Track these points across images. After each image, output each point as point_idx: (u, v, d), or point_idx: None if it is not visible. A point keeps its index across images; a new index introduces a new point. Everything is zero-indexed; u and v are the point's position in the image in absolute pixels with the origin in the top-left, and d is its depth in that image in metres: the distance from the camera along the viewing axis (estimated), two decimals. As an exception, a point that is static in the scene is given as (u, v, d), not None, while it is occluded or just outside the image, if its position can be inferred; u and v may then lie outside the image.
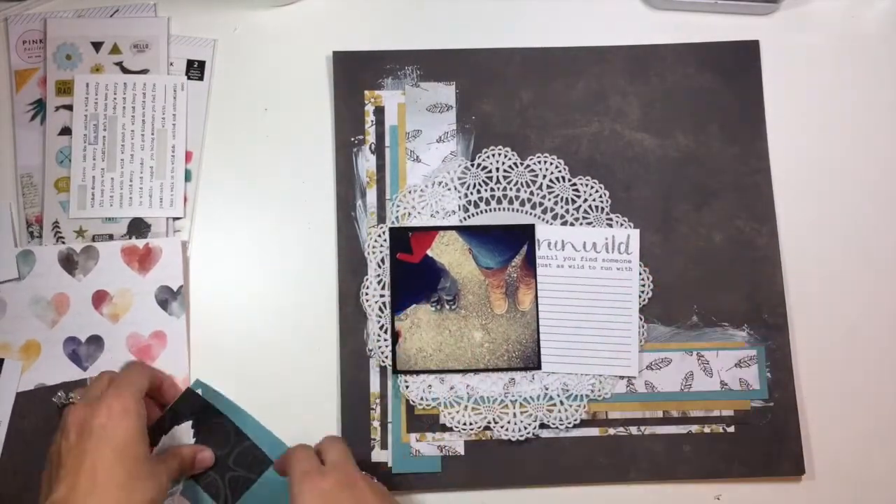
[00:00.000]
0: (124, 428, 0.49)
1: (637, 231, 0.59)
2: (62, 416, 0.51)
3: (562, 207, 0.61)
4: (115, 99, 0.62)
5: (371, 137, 0.62)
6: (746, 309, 0.60)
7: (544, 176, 0.61)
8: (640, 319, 0.59)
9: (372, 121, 0.62)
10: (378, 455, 0.58)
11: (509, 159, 0.61)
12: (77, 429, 0.49)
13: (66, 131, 0.62)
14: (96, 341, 0.59)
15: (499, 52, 0.63)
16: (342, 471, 0.50)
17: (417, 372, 0.59)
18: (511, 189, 0.61)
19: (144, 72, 0.63)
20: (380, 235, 0.60)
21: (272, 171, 0.62)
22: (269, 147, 0.63)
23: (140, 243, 0.60)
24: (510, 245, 0.60)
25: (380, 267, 0.60)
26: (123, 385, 0.52)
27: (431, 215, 0.61)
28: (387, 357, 0.59)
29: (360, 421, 0.59)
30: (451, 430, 0.58)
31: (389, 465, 0.58)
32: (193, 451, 0.55)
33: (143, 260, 0.60)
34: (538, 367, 0.59)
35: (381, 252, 0.60)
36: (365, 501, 0.48)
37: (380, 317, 0.60)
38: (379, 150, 0.62)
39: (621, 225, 0.60)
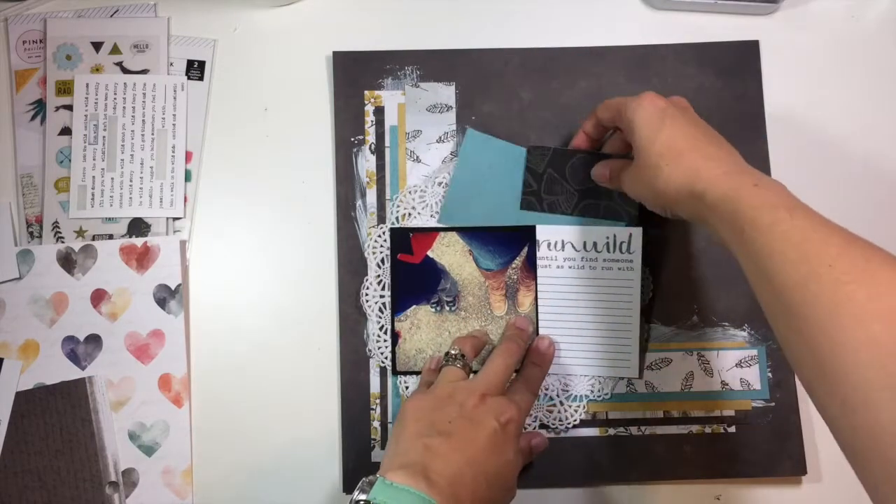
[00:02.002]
0: (515, 441, 0.49)
1: (639, 229, 0.59)
2: (444, 371, 0.52)
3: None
4: (115, 99, 0.62)
5: (371, 137, 0.62)
6: (747, 309, 0.60)
7: (544, 176, 0.61)
8: (641, 320, 0.59)
9: (372, 121, 0.62)
10: (378, 455, 0.58)
11: (509, 159, 0.61)
12: (477, 402, 0.49)
13: (66, 131, 0.62)
14: (95, 340, 0.59)
15: (499, 52, 0.63)
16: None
17: (417, 373, 0.59)
18: (511, 189, 0.61)
19: (144, 72, 0.63)
20: (380, 236, 0.60)
21: (272, 171, 0.62)
22: (269, 147, 0.63)
23: (138, 242, 0.60)
24: (511, 246, 0.60)
25: (380, 267, 0.60)
26: (533, 393, 0.54)
27: (431, 216, 0.61)
28: (386, 358, 0.59)
29: (360, 421, 0.59)
30: (450, 430, 0.58)
31: (389, 465, 0.58)
32: (529, 439, 0.56)
33: (142, 259, 0.60)
34: (538, 367, 0.59)
35: (381, 252, 0.60)
36: (698, 123, 0.50)
37: (380, 317, 0.59)
38: (379, 151, 0.62)
39: (622, 224, 0.60)
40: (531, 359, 0.57)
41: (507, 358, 0.54)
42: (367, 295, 0.60)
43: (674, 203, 0.48)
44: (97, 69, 0.63)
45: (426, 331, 0.59)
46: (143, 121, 0.62)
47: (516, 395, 0.52)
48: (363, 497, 0.42)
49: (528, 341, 0.57)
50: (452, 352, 0.54)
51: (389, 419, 0.59)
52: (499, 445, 0.48)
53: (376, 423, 0.59)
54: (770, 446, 0.58)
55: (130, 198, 0.61)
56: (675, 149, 0.48)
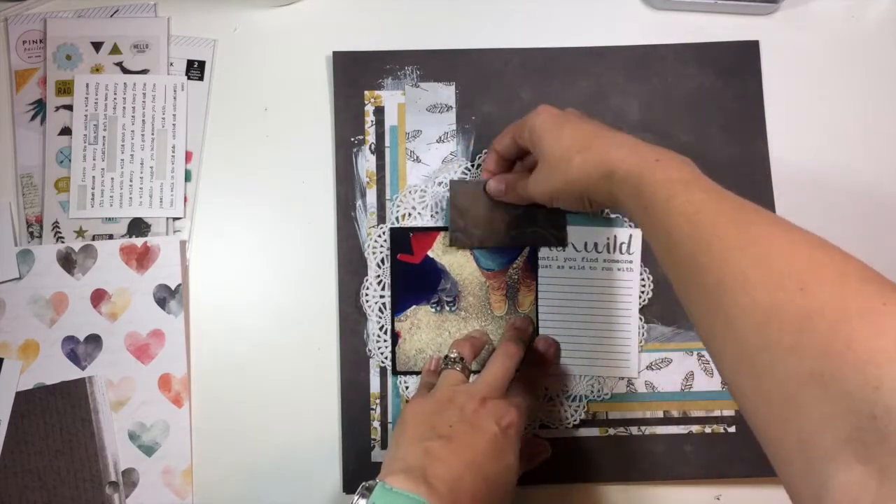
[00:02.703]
0: (516, 445, 0.49)
1: (639, 230, 0.59)
2: (443, 374, 0.53)
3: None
4: (115, 99, 0.62)
5: (371, 137, 0.62)
6: (747, 309, 0.60)
7: (544, 176, 0.61)
8: (641, 320, 0.59)
9: (372, 121, 0.62)
10: (378, 455, 0.58)
11: (509, 159, 0.61)
12: (477, 406, 0.49)
13: (66, 131, 0.62)
14: (95, 340, 0.59)
15: (499, 52, 0.63)
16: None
17: (417, 373, 0.59)
18: (511, 190, 0.61)
19: (144, 72, 0.63)
20: (380, 236, 0.60)
21: (272, 171, 0.62)
22: (269, 147, 0.63)
23: (138, 242, 0.60)
24: (511, 247, 0.60)
25: (380, 267, 0.60)
26: (534, 394, 0.54)
27: (431, 216, 0.61)
28: (386, 358, 0.59)
29: (360, 421, 0.59)
30: (450, 430, 0.58)
31: (389, 465, 0.58)
32: (531, 446, 0.56)
33: (142, 258, 0.60)
34: (538, 367, 0.58)
35: (381, 252, 0.60)
36: (595, 121, 0.52)
37: (380, 317, 0.59)
38: (379, 151, 0.62)
39: (622, 224, 0.60)
40: (531, 359, 0.56)
41: (507, 360, 0.53)
42: (367, 295, 0.60)
43: (587, 188, 0.49)
44: (97, 69, 0.63)
45: (426, 331, 0.59)
46: (143, 121, 0.62)
47: (516, 398, 0.52)
48: (363, 502, 0.42)
49: (527, 342, 0.57)
50: (451, 355, 0.54)
51: (389, 419, 0.59)
52: (499, 450, 0.48)
53: (376, 424, 0.59)
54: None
55: (130, 198, 0.61)
56: (582, 140, 0.49)
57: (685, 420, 0.59)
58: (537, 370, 0.56)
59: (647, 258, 0.60)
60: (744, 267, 0.37)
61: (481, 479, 0.46)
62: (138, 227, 0.61)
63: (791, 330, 0.34)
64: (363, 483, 0.44)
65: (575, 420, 0.59)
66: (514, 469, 0.49)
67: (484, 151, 0.61)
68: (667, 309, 0.60)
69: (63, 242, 0.60)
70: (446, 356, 0.54)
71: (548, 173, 0.51)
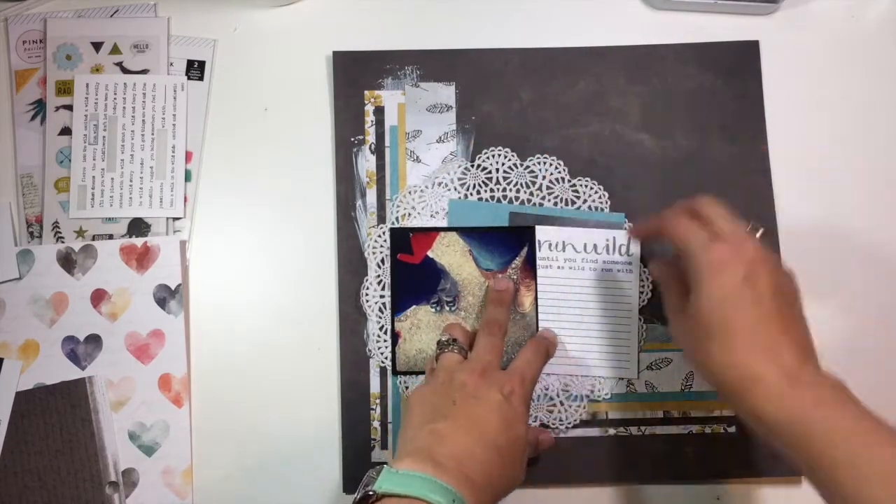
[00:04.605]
0: (524, 413, 0.49)
1: (637, 231, 0.59)
2: (440, 359, 0.52)
3: (561, 209, 0.61)
4: (115, 99, 0.62)
5: (371, 137, 0.62)
6: (747, 309, 0.60)
7: (544, 177, 0.61)
8: (640, 320, 0.59)
9: (372, 121, 0.62)
10: (378, 455, 0.58)
11: (509, 160, 0.61)
12: (477, 379, 0.49)
13: (66, 131, 0.62)
14: (95, 340, 0.59)
15: (499, 52, 0.63)
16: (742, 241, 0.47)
17: (417, 373, 0.59)
18: (511, 190, 0.61)
19: (144, 72, 0.63)
20: (380, 236, 0.60)
21: (272, 171, 0.62)
22: (269, 147, 0.63)
23: (138, 242, 0.60)
24: (510, 247, 0.60)
25: (380, 267, 0.60)
26: (536, 371, 0.53)
27: (431, 216, 0.61)
28: (386, 358, 0.59)
29: (360, 421, 0.59)
30: (450, 430, 0.58)
31: (389, 465, 0.58)
32: (536, 434, 0.56)
33: (142, 258, 0.60)
34: (538, 367, 0.58)
35: (381, 252, 0.60)
36: (771, 308, 0.44)
37: (380, 317, 0.59)
38: (379, 150, 0.62)
39: (622, 226, 0.60)
40: (530, 334, 0.57)
41: (494, 328, 0.54)
42: (367, 295, 0.60)
43: (717, 389, 0.46)
44: (97, 69, 0.63)
45: (426, 331, 0.59)
46: (143, 121, 0.62)
47: (516, 367, 0.52)
48: (369, 488, 0.42)
49: (511, 301, 0.57)
50: (443, 339, 0.54)
51: (389, 419, 0.59)
52: (507, 418, 0.47)
53: (376, 423, 0.59)
54: (770, 447, 0.58)
55: (130, 198, 0.61)
56: (730, 331, 0.44)
57: (685, 420, 0.59)
58: (539, 342, 0.56)
59: (647, 259, 0.60)
60: None
61: (492, 450, 0.45)
62: (138, 227, 0.61)
63: None
64: (370, 470, 0.43)
65: (575, 420, 0.59)
66: (524, 439, 0.48)
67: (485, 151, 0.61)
68: (667, 309, 0.60)
69: (63, 242, 0.60)
70: (439, 341, 0.54)
71: (686, 332, 0.47)
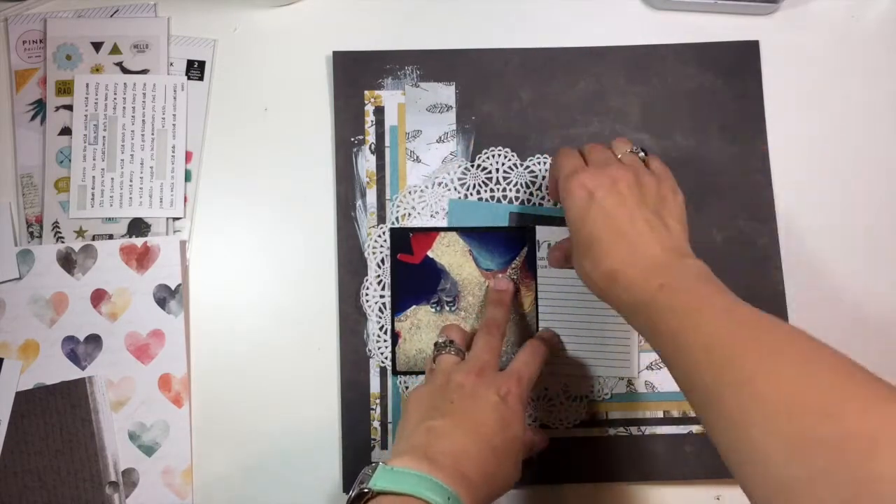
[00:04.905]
0: (520, 413, 0.49)
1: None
2: (438, 360, 0.53)
3: (561, 208, 0.61)
4: (115, 99, 0.62)
5: (371, 137, 0.62)
6: (747, 309, 0.60)
7: (544, 177, 0.61)
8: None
9: (372, 121, 0.62)
10: (378, 455, 0.58)
11: (509, 160, 0.61)
12: (475, 379, 0.49)
13: (66, 131, 0.62)
14: (95, 340, 0.59)
15: (499, 52, 0.63)
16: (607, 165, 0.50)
17: (417, 373, 0.59)
18: (511, 190, 0.61)
19: (144, 72, 0.63)
20: (380, 236, 0.60)
21: (272, 171, 0.62)
22: (269, 147, 0.63)
23: (138, 242, 0.60)
24: (510, 246, 0.60)
25: (380, 267, 0.60)
26: (534, 371, 0.53)
27: (431, 216, 0.61)
28: (386, 358, 0.59)
29: (360, 421, 0.59)
30: (450, 430, 0.58)
31: (389, 465, 0.58)
32: (530, 434, 0.56)
33: (142, 258, 0.60)
34: (538, 367, 0.58)
35: (381, 252, 0.60)
36: (626, 202, 0.48)
37: (380, 317, 0.59)
38: (379, 150, 0.62)
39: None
40: (530, 334, 0.57)
41: (493, 329, 0.54)
42: (367, 295, 0.60)
43: (602, 297, 0.48)
44: (97, 69, 0.63)
45: (426, 331, 0.59)
46: (143, 121, 0.62)
47: (515, 368, 0.52)
48: (364, 486, 0.42)
49: (511, 302, 0.57)
50: (440, 340, 0.54)
51: (389, 419, 0.59)
52: (503, 419, 0.47)
53: (376, 423, 0.59)
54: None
55: (130, 198, 0.61)
56: (594, 241, 0.47)
57: (685, 420, 0.59)
58: (537, 343, 0.56)
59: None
60: (767, 397, 0.36)
61: (488, 449, 0.45)
62: (138, 227, 0.61)
63: (822, 459, 0.33)
64: (365, 468, 0.43)
65: (575, 420, 0.59)
66: (520, 439, 0.48)
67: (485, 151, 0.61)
68: (667, 309, 0.60)
69: (63, 242, 0.60)
70: (436, 343, 0.54)
71: (575, 263, 0.50)
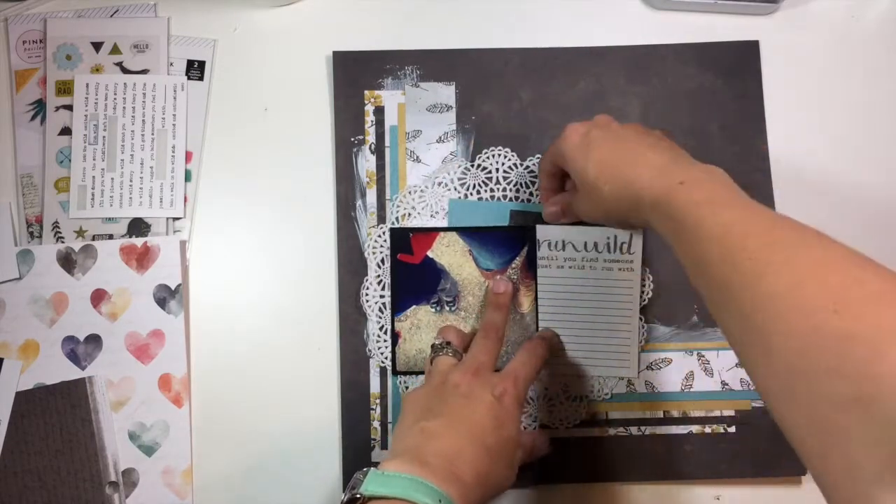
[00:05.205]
0: (516, 415, 0.49)
1: (640, 230, 0.59)
2: (434, 362, 0.53)
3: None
4: (115, 99, 0.62)
5: (371, 137, 0.62)
6: (747, 309, 0.60)
7: (544, 176, 0.61)
8: (641, 320, 0.59)
9: (372, 121, 0.62)
10: (378, 455, 0.58)
11: (509, 160, 0.61)
12: (470, 379, 0.49)
13: (66, 131, 0.62)
14: (95, 340, 0.59)
15: (499, 52, 0.63)
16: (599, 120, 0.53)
17: (417, 373, 0.59)
18: (511, 190, 0.61)
19: (144, 72, 0.63)
20: (380, 236, 0.60)
21: (272, 171, 0.62)
22: (269, 147, 0.63)
23: (138, 242, 0.60)
24: (510, 246, 0.60)
25: (380, 267, 0.60)
26: (531, 372, 0.53)
27: (431, 216, 0.61)
28: (386, 358, 0.59)
29: (360, 421, 0.59)
30: (450, 430, 0.58)
31: (389, 465, 0.58)
32: (532, 438, 0.56)
33: (142, 258, 0.60)
34: (538, 367, 0.58)
35: (381, 252, 0.60)
36: (621, 134, 0.51)
37: (380, 317, 0.59)
38: (379, 150, 0.62)
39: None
40: (528, 335, 0.57)
41: (491, 332, 0.54)
42: (367, 295, 0.60)
43: (624, 216, 0.49)
44: (97, 69, 0.63)
45: (426, 331, 0.59)
46: (143, 121, 0.62)
47: (511, 368, 0.52)
48: (355, 491, 0.42)
49: (509, 304, 0.57)
50: (437, 342, 0.54)
51: (389, 419, 0.59)
52: (498, 419, 0.47)
53: (376, 423, 0.59)
54: (770, 446, 0.58)
55: (130, 198, 0.61)
56: (606, 166, 0.49)
57: (685, 420, 0.59)
58: (535, 343, 0.56)
59: (648, 257, 0.60)
60: (779, 290, 0.36)
61: (482, 450, 0.45)
62: (138, 227, 0.61)
63: (830, 354, 0.33)
64: (356, 473, 0.43)
65: (575, 420, 0.59)
66: (515, 441, 0.48)
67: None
68: (667, 309, 0.60)
69: (63, 242, 0.60)
70: (433, 345, 0.54)
71: (586, 201, 0.51)
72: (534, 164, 0.61)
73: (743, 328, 0.38)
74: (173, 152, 0.62)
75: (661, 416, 0.59)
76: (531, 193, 0.61)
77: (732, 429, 0.59)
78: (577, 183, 0.52)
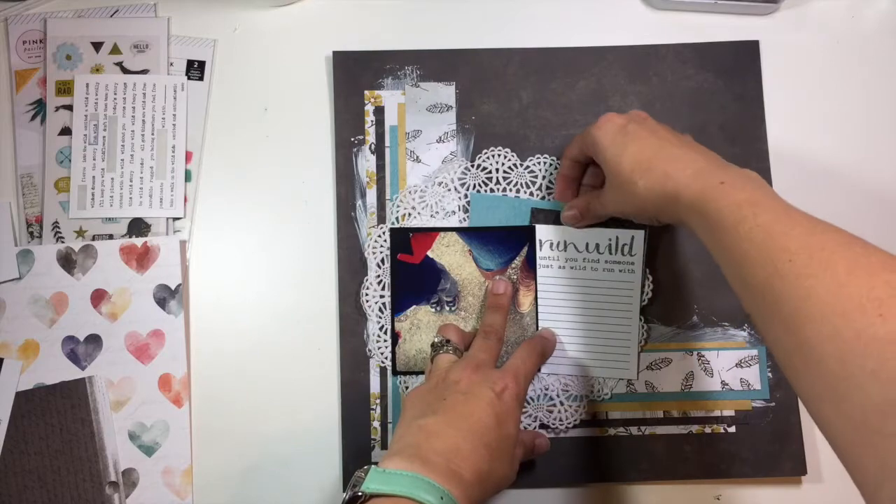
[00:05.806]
0: (516, 412, 0.49)
1: (641, 232, 0.59)
2: (435, 360, 0.53)
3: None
4: (115, 99, 0.62)
5: (371, 137, 0.62)
6: (747, 309, 0.60)
7: (544, 177, 0.61)
8: (640, 320, 0.59)
9: (372, 121, 0.62)
10: (378, 455, 0.58)
11: (509, 160, 0.61)
12: (470, 375, 0.49)
13: (66, 131, 0.62)
14: (95, 340, 0.59)
15: (499, 52, 0.63)
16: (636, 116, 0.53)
17: (417, 373, 0.59)
18: (511, 190, 0.61)
19: (144, 72, 0.63)
20: (380, 236, 0.60)
21: (272, 171, 0.62)
22: (269, 147, 0.63)
23: (138, 242, 0.60)
24: (511, 246, 0.60)
25: (380, 267, 0.60)
26: (531, 369, 0.53)
27: (431, 216, 0.61)
28: (386, 358, 0.59)
29: (360, 421, 0.59)
30: (450, 430, 0.58)
31: (389, 465, 0.58)
32: (532, 437, 0.56)
33: (142, 258, 0.60)
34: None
35: (381, 252, 0.60)
36: (659, 131, 0.51)
37: (380, 317, 0.59)
38: (379, 150, 0.62)
39: (624, 226, 0.60)
40: (528, 333, 0.57)
41: (490, 332, 0.54)
42: (367, 295, 0.60)
43: (657, 211, 0.49)
44: (97, 69, 0.63)
45: (426, 331, 0.59)
46: (143, 121, 0.62)
47: (511, 364, 0.52)
48: (357, 489, 0.42)
49: (509, 305, 0.58)
50: (437, 340, 0.54)
51: (389, 419, 0.59)
52: (498, 415, 0.47)
53: (376, 423, 0.59)
54: (770, 446, 0.58)
55: (130, 198, 0.61)
56: (643, 160, 0.49)
57: (685, 420, 0.59)
58: (535, 341, 0.56)
59: (648, 257, 0.60)
60: (821, 295, 0.37)
61: (482, 446, 0.45)
62: (138, 227, 0.61)
63: (873, 358, 0.34)
64: (357, 471, 0.43)
65: (575, 420, 0.59)
66: (515, 438, 0.48)
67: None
68: (667, 309, 0.60)
69: (63, 242, 0.60)
70: (433, 343, 0.55)
71: (617, 194, 0.51)
72: (534, 164, 0.61)
73: (783, 330, 0.38)
74: (173, 152, 0.62)
75: (661, 416, 0.59)
76: (531, 193, 0.61)
77: (732, 429, 0.59)
78: (608, 174, 0.52)
